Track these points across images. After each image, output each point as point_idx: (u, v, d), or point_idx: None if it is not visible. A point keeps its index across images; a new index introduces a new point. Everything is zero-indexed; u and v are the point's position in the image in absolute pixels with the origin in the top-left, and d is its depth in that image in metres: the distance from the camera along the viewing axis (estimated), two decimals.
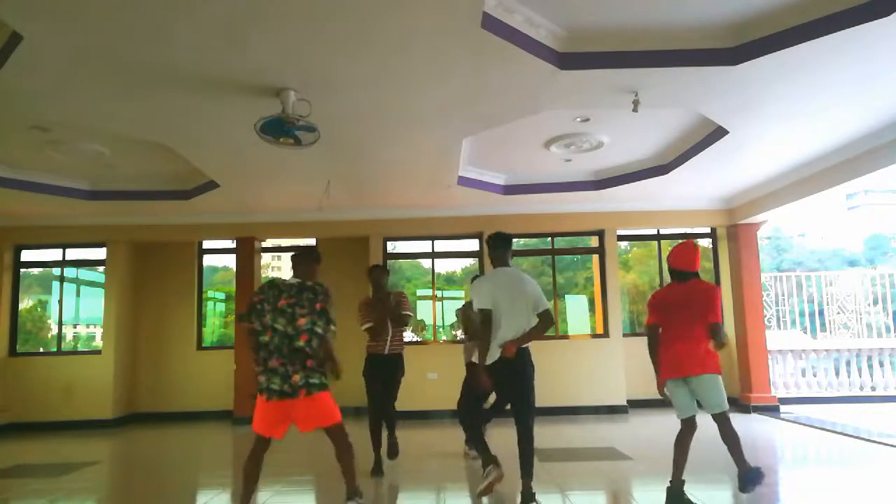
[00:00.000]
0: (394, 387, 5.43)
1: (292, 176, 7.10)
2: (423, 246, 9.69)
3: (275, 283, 3.78)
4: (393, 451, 5.55)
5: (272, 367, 3.60)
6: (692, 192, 8.36)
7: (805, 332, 10.84)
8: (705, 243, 9.77)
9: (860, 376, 9.48)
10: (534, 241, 11.77)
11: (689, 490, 4.32)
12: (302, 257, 3.91)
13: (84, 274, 10.05)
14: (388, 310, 5.29)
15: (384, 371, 5.36)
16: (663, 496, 4.57)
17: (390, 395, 5.44)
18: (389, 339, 5.35)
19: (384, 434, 5.45)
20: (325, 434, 3.80)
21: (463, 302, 6.19)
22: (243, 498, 3.65)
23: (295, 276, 3.86)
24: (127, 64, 4.17)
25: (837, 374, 9.56)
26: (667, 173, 7.24)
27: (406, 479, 5.24)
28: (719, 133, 5.95)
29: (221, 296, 11.88)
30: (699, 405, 4.10)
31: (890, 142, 5.78)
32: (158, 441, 7.89)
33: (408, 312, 5.40)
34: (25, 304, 10.49)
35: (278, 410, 3.59)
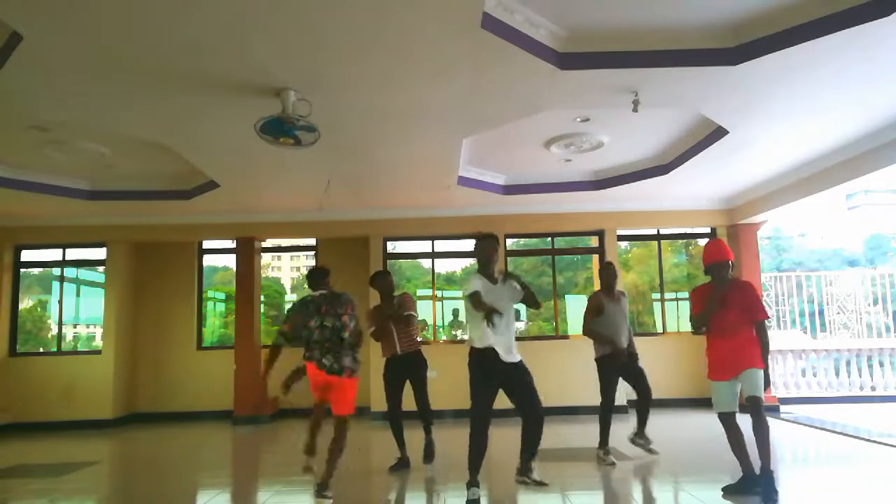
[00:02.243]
0: (419, 384, 5.45)
1: (292, 176, 7.10)
2: (423, 246, 9.68)
3: (308, 301, 4.62)
4: (428, 454, 5.45)
5: (327, 348, 4.45)
6: (692, 192, 8.36)
7: (805, 332, 10.84)
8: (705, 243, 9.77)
9: (860, 376, 9.48)
10: (534, 241, 11.79)
11: (689, 490, 4.33)
12: (317, 274, 4.85)
13: (84, 274, 10.05)
14: (386, 313, 5.43)
15: (405, 370, 5.44)
16: (663, 496, 4.59)
17: (420, 393, 5.45)
18: (397, 339, 5.39)
19: (406, 436, 5.51)
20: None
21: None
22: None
23: (317, 289, 4.73)
24: (127, 64, 4.17)
25: (837, 374, 9.56)
26: (667, 173, 7.24)
27: (407, 480, 5.24)
28: (719, 133, 5.95)
29: (221, 296, 11.91)
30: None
31: (890, 142, 5.78)
32: (158, 441, 7.88)
33: (410, 312, 5.47)
34: (25, 304, 10.52)
35: (324, 380, 4.46)
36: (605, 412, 5.51)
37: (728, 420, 4.26)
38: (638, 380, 5.59)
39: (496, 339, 4.16)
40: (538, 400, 4.25)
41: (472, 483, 4.16)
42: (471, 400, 4.23)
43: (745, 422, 4.15)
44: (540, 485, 4.35)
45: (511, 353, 4.23)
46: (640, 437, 5.67)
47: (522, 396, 4.24)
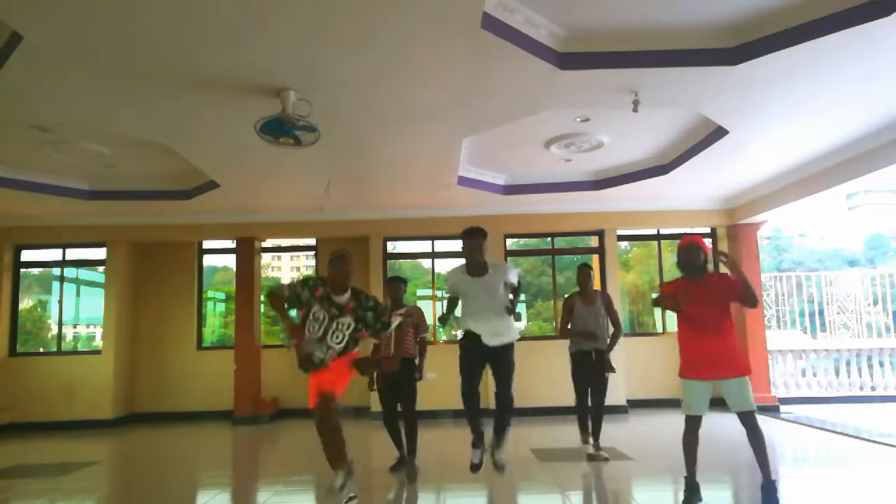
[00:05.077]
0: (409, 391, 5.37)
1: (292, 176, 7.10)
2: (423, 246, 9.69)
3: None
4: (409, 476, 5.19)
5: None
6: (692, 192, 8.36)
7: (805, 332, 10.84)
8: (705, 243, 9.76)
9: (860, 376, 9.48)
10: (534, 241, 11.79)
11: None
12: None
13: (84, 274, 10.05)
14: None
15: (395, 375, 5.36)
16: (663, 496, 4.58)
17: (409, 402, 5.36)
18: (393, 343, 5.38)
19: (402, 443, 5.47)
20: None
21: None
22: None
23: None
24: (127, 64, 4.17)
25: (837, 374, 9.56)
26: (667, 173, 7.24)
27: (405, 481, 5.23)
28: (719, 133, 5.95)
29: (221, 296, 11.90)
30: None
31: (890, 142, 5.78)
32: (158, 441, 7.88)
33: (423, 334, 5.50)
34: (25, 304, 10.50)
35: None
36: (579, 409, 5.65)
37: (695, 424, 3.96)
38: (597, 386, 5.63)
39: (478, 325, 4.30)
40: (510, 384, 4.37)
41: (476, 444, 4.36)
42: (460, 372, 4.39)
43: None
44: (496, 466, 4.35)
45: (497, 338, 4.30)
46: (591, 442, 5.66)
47: (497, 376, 4.38)
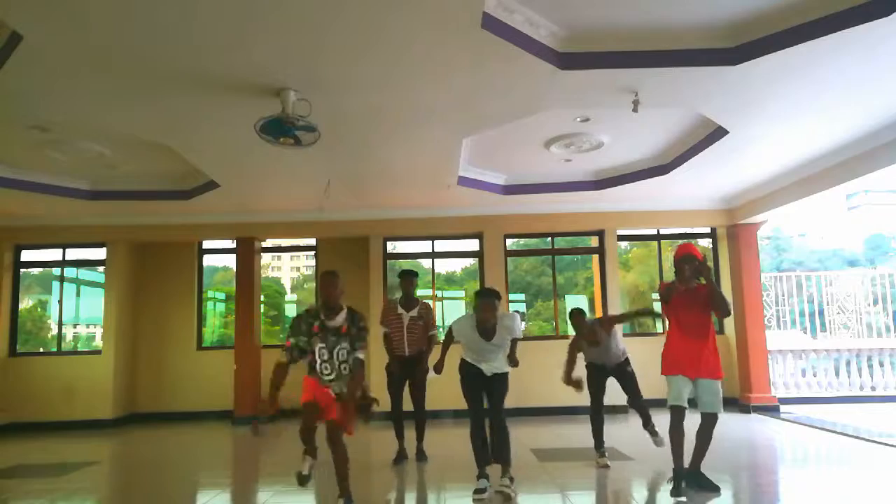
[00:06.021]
0: (419, 383, 5.60)
1: (292, 176, 7.10)
2: (423, 246, 9.69)
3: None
4: (420, 458, 5.69)
5: None
6: (692, 192, 8.36)
7: (805, 332, 10.84)
8: (705, 243, 9.77)
9: (860, 376, 9.48)
10: (534, 241, 11.79)
11: (689, 489, 4.31)
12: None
13: (84, 274, 10.05)
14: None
15: (406, 369, 5.59)
16: (663, 496, 4.57)
17: (419, 392, 5.60)
18: (406, 341, 5.52)
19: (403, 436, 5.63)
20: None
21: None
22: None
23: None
24: (127, 64, 4.17)
25: (837, 374, 9.56)
26: (667, 173, 7.24)
27: (406, 480, 5.24)
28: (719, 133, 5.95)
29: (221, 296, 11.91)
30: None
31: (890, 142, 5.78)
32: (158, 441, 7.88)
33: (432, 332, 5.72)
34: (25, 304, 10.52)
35: None
36: (593, 414, 5.58)
37: (679, 415, 4.26)
38: (624, 383, 5.62)
39: (479, 363, 4.65)
40: (501, 408, 4.61)
41: (480, 475, 4.49)
42: (465, 401, 4.69)
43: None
44: (504, 496, 4.35)
45: (494, 370, 4.66)
46: (647, 427, 5.65)
47: (490, 401, 4.66)
